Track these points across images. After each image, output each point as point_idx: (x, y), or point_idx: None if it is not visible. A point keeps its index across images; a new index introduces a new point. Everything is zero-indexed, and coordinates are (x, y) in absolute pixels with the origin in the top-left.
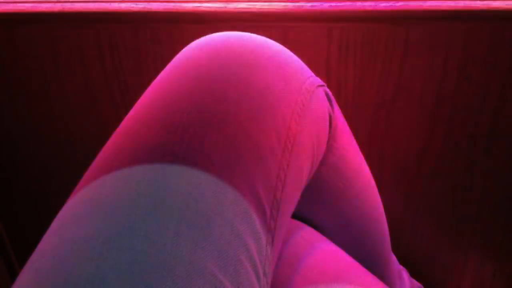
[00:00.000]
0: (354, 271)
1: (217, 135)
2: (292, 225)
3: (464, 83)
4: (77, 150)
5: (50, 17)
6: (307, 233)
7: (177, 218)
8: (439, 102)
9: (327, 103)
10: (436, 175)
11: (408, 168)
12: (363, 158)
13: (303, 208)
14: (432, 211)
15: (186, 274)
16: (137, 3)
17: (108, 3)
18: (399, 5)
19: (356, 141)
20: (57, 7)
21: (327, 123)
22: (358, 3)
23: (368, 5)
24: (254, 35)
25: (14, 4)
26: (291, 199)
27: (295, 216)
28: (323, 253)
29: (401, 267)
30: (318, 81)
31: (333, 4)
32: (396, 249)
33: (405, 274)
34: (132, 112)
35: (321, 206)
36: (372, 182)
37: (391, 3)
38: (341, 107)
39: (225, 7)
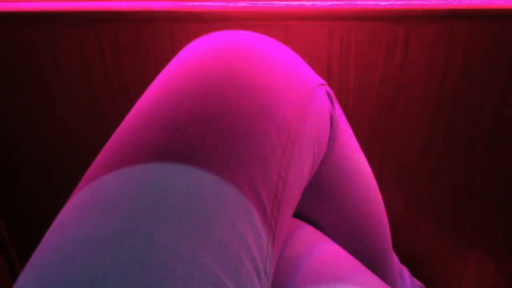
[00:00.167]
0: (355, 270)
1: (218, 134)
2: (293, 225)
3: (464, 83)
4: (77, 150)
5: (51, 17)
6: (308, 233)
7: (178, 217)
8: (439, 102)
9: (328, 102)
10: (436, 174)
11: (408, 168)
12: (364, 157)
13: (304, 207)
14: (432, 211)
15: (187, 274)
16: (138, 2)
17: (109, 2)
18: (400, 4)
19: (357, 140)
20: (57, 6)
21: (328, 122)
22: (359, 2)
23: (369, 4)
24: (255, 34)
25: (15, 4)
26: (292, 198)
27: (296, 215)
28: (324, 252)
29: (402, 266)
30: (319, 80)
31: (334, 3)
32: (397, 248)
33: (406, 274)
34: (132, 112)
35: (322, 205)
36: (373, 182)
37: (392, 2)
38: (342, 106)
39: (226, 6)
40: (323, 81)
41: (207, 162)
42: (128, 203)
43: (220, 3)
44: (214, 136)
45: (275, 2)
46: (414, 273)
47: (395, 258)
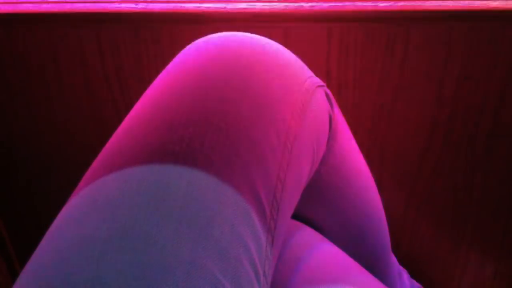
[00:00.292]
0: (354, 272)
1: (217, 135)
2: (292, 226)
3: (464, 83)
4: (77, 150)
5: (50, 17)
6: (307, 234)
7: (177, 218)
8: (439, 102)
9: (327, 103)
10: (436, 175)
11: (408, 168)
12: (363, 158)
13: (303, 208)
14: (432, 211)
15: (186, 275)
16: (138, 3)
17: (108, 4)
18: (399, 5)
19: (356, 141)
20: (57, 7)
21: (327, 124)
22: (359, 3)
23: (368, 5)
24: (254, 36)
25: (14, 5)
26: (291, 199)
27: (294, 216)
28: (323, 254)
29: (401, 268)
30: (318, 81)
31: (333, 4)
32: (396, 249)
33: (405, 275)
34: (132, 112)
35: (321, 207)
36: (372, 183)
37: (391, 3)
38: (341, 107)
39: (225, 7)
40: (322, 83)
41: (206, 163)
42: (128, 204)
43: (220, 5)
44: (213, 137)
45: (274, 4)
46: (414, 273)
47: (394, 260)
